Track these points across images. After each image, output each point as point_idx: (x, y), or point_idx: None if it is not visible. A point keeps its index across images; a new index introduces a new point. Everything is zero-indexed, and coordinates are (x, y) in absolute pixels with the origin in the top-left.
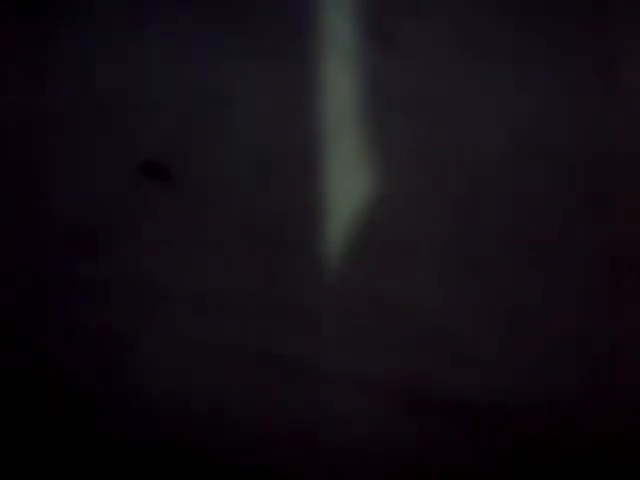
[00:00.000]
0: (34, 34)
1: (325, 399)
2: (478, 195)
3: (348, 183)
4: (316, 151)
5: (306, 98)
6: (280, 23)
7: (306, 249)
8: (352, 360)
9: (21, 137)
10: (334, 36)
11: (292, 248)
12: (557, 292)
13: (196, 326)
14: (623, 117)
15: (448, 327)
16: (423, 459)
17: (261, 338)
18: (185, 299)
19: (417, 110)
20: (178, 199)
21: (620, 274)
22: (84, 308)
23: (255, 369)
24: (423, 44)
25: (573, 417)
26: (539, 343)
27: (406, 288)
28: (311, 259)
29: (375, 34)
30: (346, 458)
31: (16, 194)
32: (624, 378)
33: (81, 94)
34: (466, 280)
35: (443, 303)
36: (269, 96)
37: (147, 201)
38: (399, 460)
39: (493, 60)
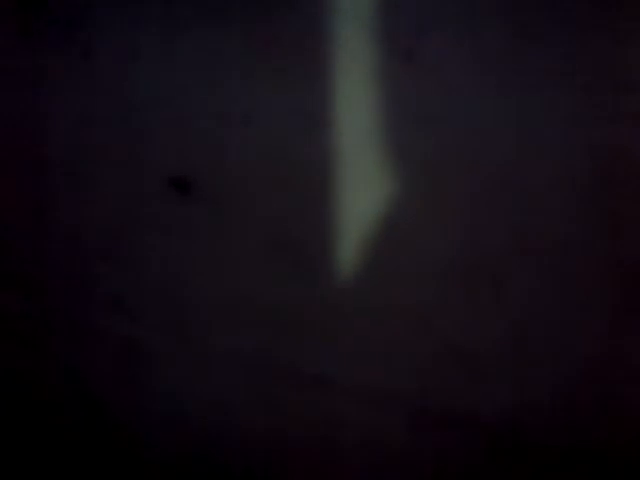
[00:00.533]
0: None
1: (337, 410)
2: (493, 206)
3: (366, 196)
4: (334, 166)
5: (325, 114)
6: (299, 40)
7: (320, 261)
8: (359, 372)
9: (30, 137)
10: (353, 52)
11: (306, 260)
12: (566, 303)
13: (209, 333)
14: (628, 122)
15: (457, 340)
16: (433, 472)
17: (269, 346)
18: (199, 307)
19: (436, 125)
20: (196, 211)
21: (630, 285)
22: (97, 316)
23: (266, 380)
24: (443, 60)
25: (588, 430)
26: (548, 355)
27: (416, 301)
28: (324, 271)
29: (395, 50)
30: (356, 470)
31: (32, 199)
32: (637, 389)
33: (96, 99)
34: (480, 294)
35: (452, 316)
36: (288, 112)
37: (166, 212)
38: (409, 472)
39: (514, 77)
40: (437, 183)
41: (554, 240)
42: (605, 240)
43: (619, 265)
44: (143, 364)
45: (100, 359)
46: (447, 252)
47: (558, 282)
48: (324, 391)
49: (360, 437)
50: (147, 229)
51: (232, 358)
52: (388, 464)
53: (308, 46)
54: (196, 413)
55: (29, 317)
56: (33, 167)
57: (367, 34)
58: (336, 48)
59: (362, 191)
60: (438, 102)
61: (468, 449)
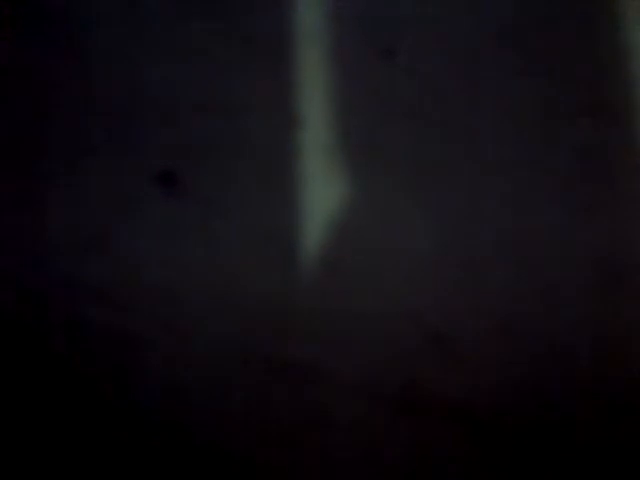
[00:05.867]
0: (33, 39)
1: (322, 401)
2: (475, 199)
3: (348, 192)
4: (317, 162)
5: (307, 112)
6: (281, 38)
7: (305, 254)
8: (341, 362)
9: (22, 136)
10: (335, 51)
11: (292, 253)
12: (554, 295)
13: (197, 328)
14: (622, 128)
15: (445, 330)
16: (419, 461)
17: (260, 340)
18: (187, 301)
19: (417, 124)
20: (183, 205)
21: (619, 280)
22: (89, 310)
23: (254, 371)
24: (424, 60)
25: (572, 420)
26: (536, 345)
27: (403, 291)
28: (309, 263)
29: (376, 49)
30: (342, 461)
31: (19, 194)
32: (621, 382)
33: (83, 98)
34: (463, 283)
35: (440, 306)
36: (271, 109)
37: (153, 206)
38: (395, 462)
39: (495, 77)
40: (418, 179)
41: (546, 233)
42: (605, 237)
43: (598, 255)
44: (132, 353)
45: (91, 351)
46: (429, 240)
47: (539, 271)
48: (307, 381)
49: (343, 427)
50: (134, 222)
51: (215, 351)
52: (371, 452)
53: (289, 43)
54: (183, 407)
55: (28, 317)
56: (27, 158)
57: (350, 31)
58: (317, 45)
59: (343, 184)
60: (418, 101)
61: (451, 436)
